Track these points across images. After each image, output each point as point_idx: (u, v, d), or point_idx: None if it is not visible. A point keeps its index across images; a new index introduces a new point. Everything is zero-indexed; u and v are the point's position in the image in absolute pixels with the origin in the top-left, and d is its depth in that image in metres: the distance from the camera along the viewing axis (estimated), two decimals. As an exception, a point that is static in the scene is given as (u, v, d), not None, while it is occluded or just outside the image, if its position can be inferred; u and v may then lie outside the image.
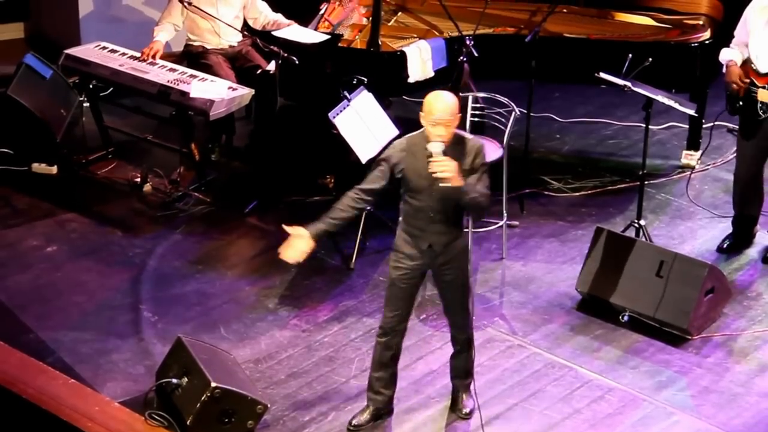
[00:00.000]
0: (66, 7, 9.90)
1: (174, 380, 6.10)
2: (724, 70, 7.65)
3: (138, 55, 8.59)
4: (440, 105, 5.79)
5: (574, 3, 8.95)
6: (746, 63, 7.59)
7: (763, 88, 7.49)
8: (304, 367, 6.74)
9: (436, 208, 5.94)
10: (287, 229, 5.97)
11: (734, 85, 7.54)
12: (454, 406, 6.48)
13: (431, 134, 5.79)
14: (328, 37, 8.24)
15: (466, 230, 6.22)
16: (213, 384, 5.90)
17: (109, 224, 8.13)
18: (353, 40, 8.52)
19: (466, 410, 6.43)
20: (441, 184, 5.75)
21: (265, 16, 8.88)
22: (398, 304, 6.17)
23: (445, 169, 5.71)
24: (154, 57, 8.52)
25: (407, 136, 5.98)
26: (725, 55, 7.65)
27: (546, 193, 8.67)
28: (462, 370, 6.44)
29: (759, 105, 7.53)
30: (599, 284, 7.29)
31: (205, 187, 8.53)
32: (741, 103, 7.59)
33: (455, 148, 5.85)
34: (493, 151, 7.68)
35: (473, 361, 6.40)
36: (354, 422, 6.33)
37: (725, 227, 8.13)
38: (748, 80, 7.53)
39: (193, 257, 7.79)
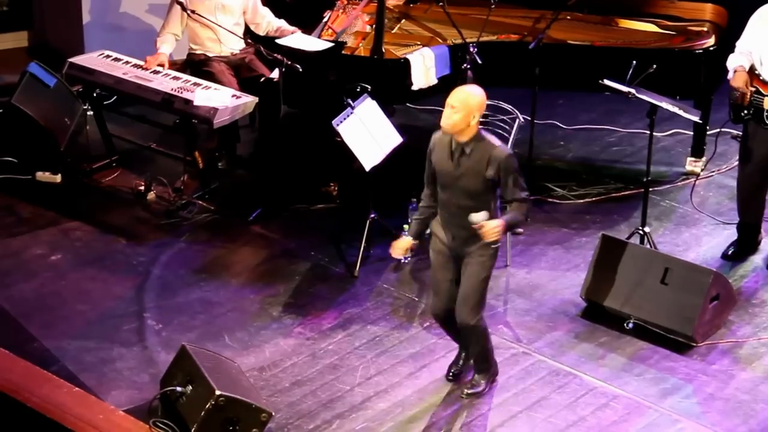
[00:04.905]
0: (69, 16, 9.91)
1: (178, 388, 6.09)
2: (729, 76, 7.63)
3: (142, 63, 8.60)
4: (455, 91, 6.04)
5: (578, 10, 8.95)
6: (751, 71, 7.58)
7: (769, 96, 7.50)
8: (308, 375, 6.73)
9: (457, 204, 6.13)
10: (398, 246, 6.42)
11: (739, 91, 7.53)
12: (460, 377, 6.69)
13: None
14: (332, 44, 8.24)
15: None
16: (217, 392, 5.89)
17: (113, 232, 8.13)
18: (357, 48, 8.52)
19: (470, 390, 6.55)
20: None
21: (268, 22, 8.88)
22: (437, 287, 6.43)
23: (492, 235, 5.99)
24: (162, 65, 8.53)
25: None
26: (733, 61, 7.62)
27: (550, 200, 8.66)
28: (475, 355, 6.56)
29: (765, 114, 7.51)
30: (604, 291, 7.28)
31: (208, 195, 8.53)
32: (746, 111, 7.58)
33: (474, 149, 6.04)
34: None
35: (486, 353, 6.53)
36: (453, 371, 6.68)
37: (730, 234, 8.12)
38: (753, 88, 7.52)
39: (197, 265, 7.79)
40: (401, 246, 6.39)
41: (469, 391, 6.54)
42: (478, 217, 6.03)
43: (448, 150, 6.10)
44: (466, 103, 5.96)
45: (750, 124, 7.65)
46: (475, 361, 6.60)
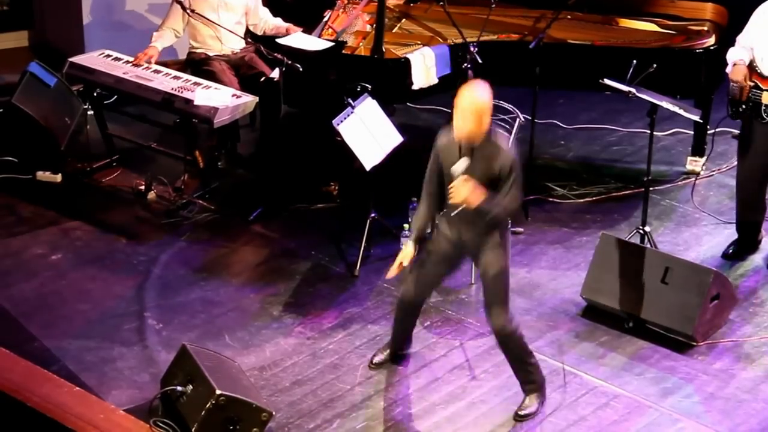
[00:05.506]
0: (70, 16, 9.91)
1: (179, 388, 6.09)
2: (728, 69, 7.62)
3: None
4: (462, 95, 5.91)
5: (578, 9, 8.94)
6: (750, 65, 7.57)
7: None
8: (308, 375, 6.73)
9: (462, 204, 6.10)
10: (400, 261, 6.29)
11: (738, 84, 7.51)
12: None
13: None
14: (332, 44, 8.24)
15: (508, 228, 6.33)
16: (218, 391, 5.89)
17: (113, 232, 8.13)
18: (357, 47, 8.52)
19: (522, 412, 6.40)
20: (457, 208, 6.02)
21: (265, 22, 8.90)
22: (421, 274, 6.38)
23: (461, 195, 5.92)
24: (149, 61, 8.53)
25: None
26: (733, 54, 7.60)
27: (550, 199, 8.66)
28: (519, 372, 6.42)
29: (763, 108, 7.51)
30: (604, 291, 7.27)
31: (209, 195, 8.53)
32: (744, 106, 7.57)
33: (483, 150, 5.99)
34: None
35: (530, 367, 6.38)
36: (375, 360, 6.71)
37: (730, 233, 8.12)
38: (752, 82, 7.52)
39: (198, 265, 7.79)
40: (407, 255, 6.26)
41: (522, 413, 6.38)
42: (459, 166, 5.96)
43: (456, 150, 6.06)
44: (476, 109, 5.89)
45: (748, 119, 7.64)
46: (522, 381, 6.42)
